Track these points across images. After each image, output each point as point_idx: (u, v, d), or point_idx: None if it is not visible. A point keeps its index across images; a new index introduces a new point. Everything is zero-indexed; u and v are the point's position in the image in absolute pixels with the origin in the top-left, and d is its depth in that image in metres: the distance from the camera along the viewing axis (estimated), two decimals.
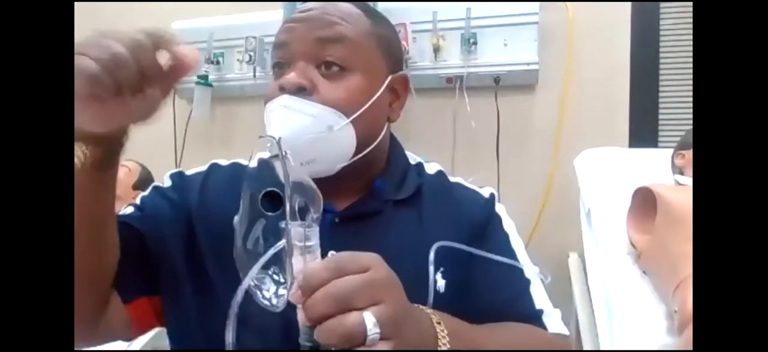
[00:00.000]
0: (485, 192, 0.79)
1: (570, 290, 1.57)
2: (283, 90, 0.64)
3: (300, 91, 0.63)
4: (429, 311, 0.54)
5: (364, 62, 0.67)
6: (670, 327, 1.10)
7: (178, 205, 0.71)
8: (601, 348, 1.24)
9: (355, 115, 0.65)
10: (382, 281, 0.46)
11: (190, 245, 0.68)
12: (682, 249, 1.05)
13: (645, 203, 1.23)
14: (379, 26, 0.71)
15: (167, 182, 0.74)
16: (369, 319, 0.42)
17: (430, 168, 0.80)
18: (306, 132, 0.62)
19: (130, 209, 0.71)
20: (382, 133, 0.71)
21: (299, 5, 0.73)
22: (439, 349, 0.50)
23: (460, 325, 0.56)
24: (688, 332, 0.98)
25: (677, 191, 1.20)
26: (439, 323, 0.52)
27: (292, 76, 0.64)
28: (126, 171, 1.91)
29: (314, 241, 0.46)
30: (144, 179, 1.96)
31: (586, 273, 1.48)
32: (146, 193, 0.74)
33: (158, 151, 2.14)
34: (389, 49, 0.72)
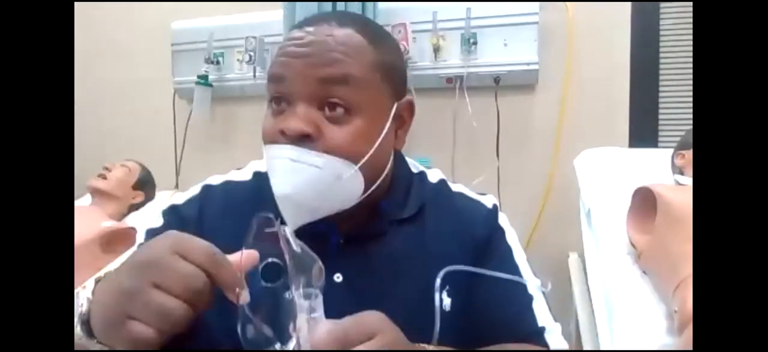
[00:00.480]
0: (488, 202, 0.77)
1: (570, 290, 1.57)
2: (284, 135, 0.60)
3: (304, 138, 0.59)
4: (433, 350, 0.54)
5: (370, 100, 0.63)
6: (670, 327, 1.10)
7: None
8: (601, 348, 1.24)
9: (363, 161, 0.61)
10: (385, 347, 0.46)
11: None
12: (682, 249, 1.05)
13: (645, 203, 1.23)
14: (382, 51, 0.65)
15: (160, 221, 0.71)
16: None
17: (433, 176, 0.78)
18: (314, 185, 0.59)
19: None
20: (389, 166, 0.69)
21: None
22: None
23: None
24: (688, 332, 0.98)
25: (677, 190, 1.20)
26: None
27: (294, 124, 0.59)
28: (126, 171, 1.91)
29: (319, 311, 0.46)
30: (144, 179, 1.96)
31: (586, 273, 1.48)
32: (142, 242, 0.69)
33: (158, 152, 2.15)
34: (394, 76, 0.67)
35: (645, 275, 1.23)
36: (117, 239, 1.64)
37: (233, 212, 0.69)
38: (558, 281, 1.61)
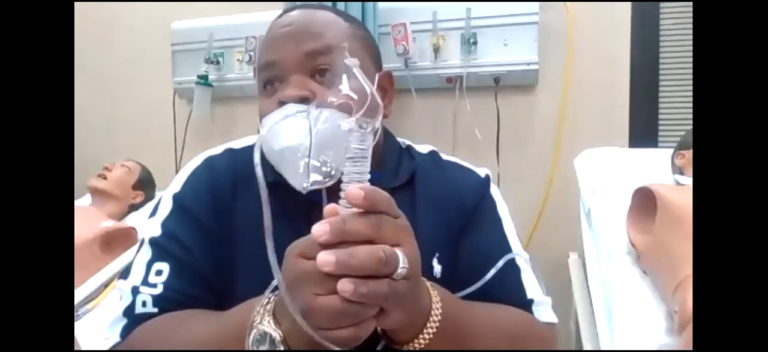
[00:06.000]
0: (481, 172, 0.80)
1: (570, 290, 1.57)
2: (282, 104, 0.65)
3: (302, 101, 0.64)
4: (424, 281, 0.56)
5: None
6: (670, 327, 1.10)
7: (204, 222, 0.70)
8: (601, 348, 1.24)
9: (359, 113, 0.65)
10: (408, 228, 0.50)
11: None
12: (681, 249, 1.05)
13: (645, 202, 1.23)
14: (355, 28, 0.74)
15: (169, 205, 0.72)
16: (401, 255, 0.46)
17: (423, 148, 0.81)
18: (316, 135, 0.62)
19: (163, 274, 0.66)
20: (379, 133, 0.72)
21: (298, 6, 0.74)
22: (432, 311, 0.54)
23: (451, 296, 0.59)
24: (688, 332, 0.98)
25: (677, 191, 1.20)
26: (433, 290, 0.56)
27: (291, 90, 0.65)
28: (126, 171, 1.91)
29: (366, 145, 0.50)
30: (144, 179, 1.96)
31: (586, 273, 1.48)
32: (168, 234, 0.69)
33: (158, 151, 2.15)
34: (371, 49, 0.74)
35: (645, 275, 1.23)
36: (117, 239, 1.64)
37: (214, 186, 0.72)
38: (558, 281, 1.61)
